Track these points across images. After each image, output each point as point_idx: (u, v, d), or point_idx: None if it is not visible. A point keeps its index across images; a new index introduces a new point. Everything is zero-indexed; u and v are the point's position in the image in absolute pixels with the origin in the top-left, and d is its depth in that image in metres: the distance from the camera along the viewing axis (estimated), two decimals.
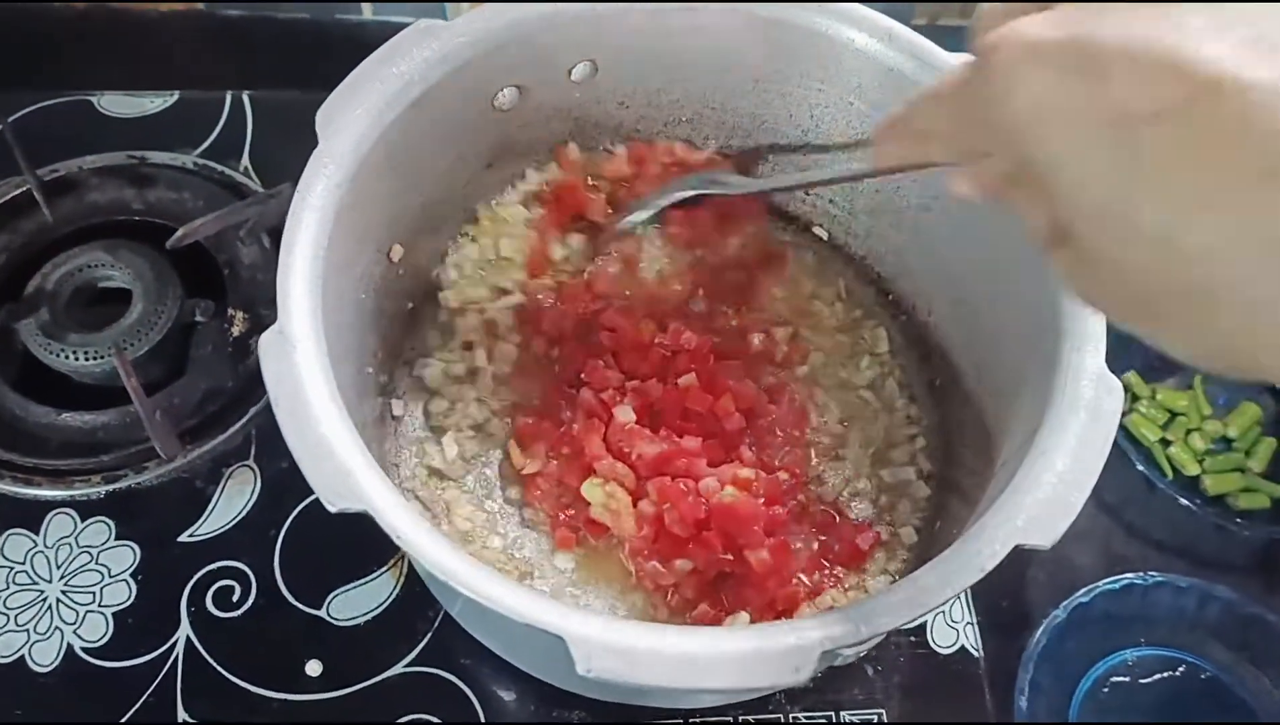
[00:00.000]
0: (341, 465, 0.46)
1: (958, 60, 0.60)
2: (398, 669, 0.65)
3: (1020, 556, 0.47)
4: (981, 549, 0.47)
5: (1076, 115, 0.29)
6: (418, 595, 0.67)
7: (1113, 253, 0.31)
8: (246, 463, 0.71)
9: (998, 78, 0.31)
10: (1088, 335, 0.52)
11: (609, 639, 0.43)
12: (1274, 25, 0.27)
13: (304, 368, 0.48)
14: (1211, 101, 0.26)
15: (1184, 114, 0.27)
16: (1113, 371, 0.51)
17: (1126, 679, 0.69)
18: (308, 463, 0.46)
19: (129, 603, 0.66)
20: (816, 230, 0.76)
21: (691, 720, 0.64)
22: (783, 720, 0.65)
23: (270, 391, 0.47)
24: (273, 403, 0.47)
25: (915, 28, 0.62)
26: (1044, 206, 0.33)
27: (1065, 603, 0.67)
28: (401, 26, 0.58)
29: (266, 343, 0.48)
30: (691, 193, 0.68)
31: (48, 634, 0.65)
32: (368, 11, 0.92)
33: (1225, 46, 0.26)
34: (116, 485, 0.69)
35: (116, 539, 0.68)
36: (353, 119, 0.55)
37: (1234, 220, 0.27)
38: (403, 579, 0.68)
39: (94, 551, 0.68)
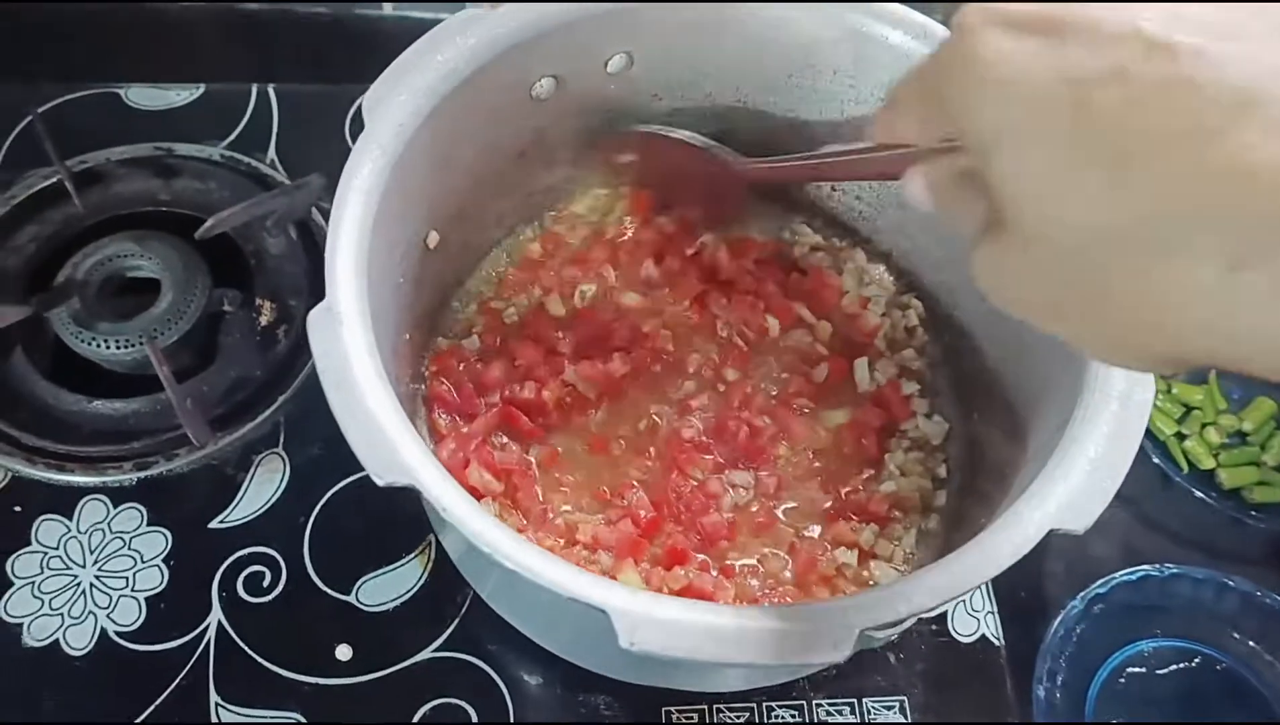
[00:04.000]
0: (389, 440, 0.47)
1: None
2: (426, 654, 0.66)
3: (1039, 547, 0.48)
4: (1016, 533, 0.48)
5: (1030, 76, 0.30)
6: (445, 581, 0.68)
7: (1040, 233, 0.31)
8: (275, 450, 0.72)
9: (962, 45, 0.32)
10: None
11: (652, 612, 0.44)
12: (1228, 20, 0.28)
13: (351, 344, 0.49)
14: (1164, 61, 0.28)
15: (1135, 74, 0.28)
16: None
17: (1143, 670, 0.70)
18: (356, 437, 0.46)
19: (161, 587, 0.67)
20: (843, 225, 0.76)
21: (716, 705, 0.65)
22: (806, 707, 0.66)
23: (319, 366, 0.48)
24: (321, 377, 0.48)
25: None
26: (983, 199, 0.33)
27: (1083, 594, 0.68)
28: (421, 22, 0.58)
29: (315, 318, 0.49)
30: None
31: (81, 618, 0.65)
32: (388, 8, 0.92)
33: (1183, 30, 0.28)
34: (148, 472, 0.69)
35: (148, 525, 0.69)
36: (398, 104, 0.55)
37: (1168, 183, 0.28)
38: (430, 565, 0.68)
39: (126, 537, 0.68)
